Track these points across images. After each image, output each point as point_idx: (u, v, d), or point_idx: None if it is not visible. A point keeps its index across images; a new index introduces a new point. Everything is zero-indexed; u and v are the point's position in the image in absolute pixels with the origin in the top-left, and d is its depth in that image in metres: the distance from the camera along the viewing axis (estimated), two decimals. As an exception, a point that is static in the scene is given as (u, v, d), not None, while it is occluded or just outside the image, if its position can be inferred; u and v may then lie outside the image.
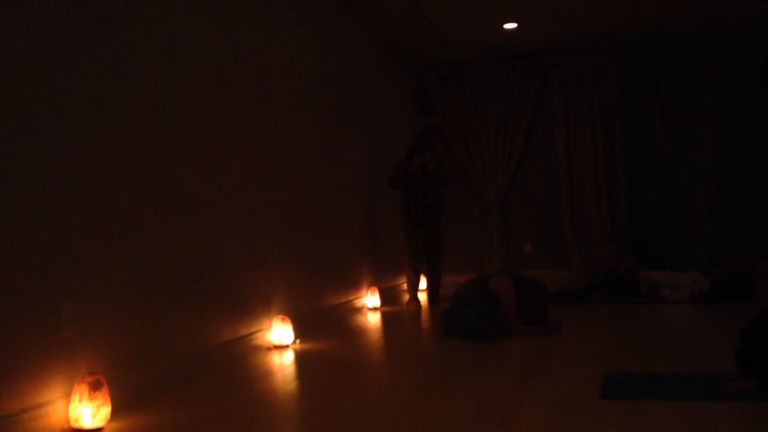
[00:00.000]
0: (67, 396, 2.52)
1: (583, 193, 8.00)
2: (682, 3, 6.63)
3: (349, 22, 6.06)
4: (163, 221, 3.22)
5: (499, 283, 4.36)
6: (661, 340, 4.08)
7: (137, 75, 3.10)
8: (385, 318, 5.55)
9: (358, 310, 5.83)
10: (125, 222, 2.95)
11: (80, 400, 2.46)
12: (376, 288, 6.06)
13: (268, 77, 4.43)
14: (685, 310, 5.20)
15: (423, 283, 6.76)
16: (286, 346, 4.13)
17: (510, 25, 7.10)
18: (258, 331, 4.06)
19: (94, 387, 2.48)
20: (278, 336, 4.12)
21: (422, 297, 6.54)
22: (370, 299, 5.97)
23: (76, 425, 2.47)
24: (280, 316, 4.18)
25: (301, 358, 3.84)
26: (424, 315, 5.64)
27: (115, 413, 2.65)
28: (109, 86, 2.91)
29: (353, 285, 5.81)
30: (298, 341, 4.25)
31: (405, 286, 6.72)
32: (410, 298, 6.17)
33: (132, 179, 3.02)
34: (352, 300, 5.72)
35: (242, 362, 3.72)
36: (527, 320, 4.34)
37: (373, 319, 5.46)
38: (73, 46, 2.72)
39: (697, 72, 7.59)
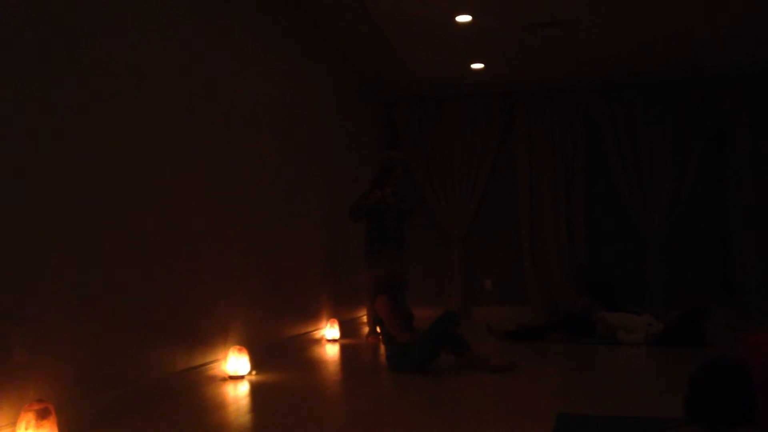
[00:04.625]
0: (14, 424, 2.45)
1: (543, 232, 8.13)
2: (641, 55, 6.87)
3: (319, 53, 6.13)
4: (118, 246, 3.18)
5: (378, 305, 4.52)
6: (614, 382, 4.14)
7: (102, 99, 3.09)
8: (344, 350, 5.52)
9: (317, 341, 5.79)
10: (78, 247, 2.91)
11: (26, 429, 2.40)
12: (335, 320, 6.03)
13: (236, 105, 4.44)
14: (639, 353, 5.29)
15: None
16: (242, 377, 4.08)
17: (477, 65, 7.26)
18: (214, 361, 4.01)
19: (42, 415, 2.43)
20: (234, 366, 4.07)
21: (381, 330, 6.52)
22: (330, 331, 5.94)
23: (21, 454, 2.40)
24: (237, 347, 4.13)
25: (256, 390, 3.80)
26: (383, 349, 5.62)
27: (62, 443, 2.58)
28: (73, 109, 2.89)
29: (313, 316, 5.78)
30: (254, 372, 4.20)
31: (365, 319, 6.71)
32: (370, 331, 6.15)
33: (88, 204, 2.99)
34: (311, 331, 5.69)
35: (196, 393, 3.67)
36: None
37: (331, 352, 5.43)
38: (37, 68, 2.70)
39: (655, 118, 7.83)
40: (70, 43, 2.89)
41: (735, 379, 2.65)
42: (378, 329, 5.28)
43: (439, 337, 4.31)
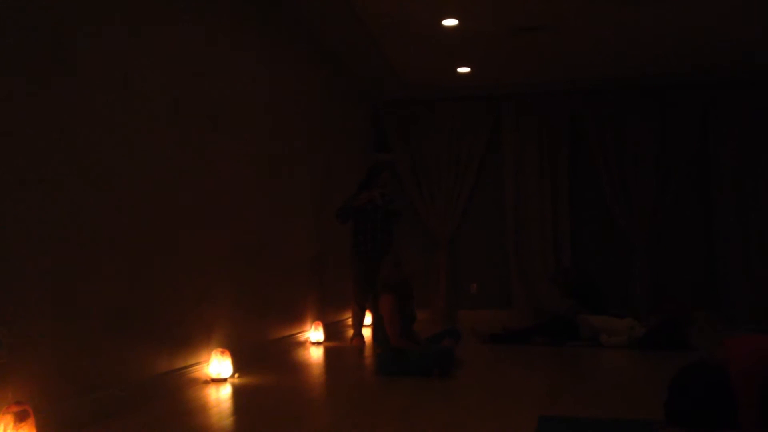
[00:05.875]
0: (-9, 427, 2.43)
1: (528, 235, 8.15)
2: (627, 59, 6.93)
3: (308, 56, 6.12)
4: (100, 247, 3.16)
5: (381, 303, 4.46)
6: (596, 384, 4.17)
7: (87, 102, 3.07)
8: (328, 353, 5.52)
9: (301, 344, 5.78)
10: (60, 248, 2.89)
11: (5, 431, 2.38)
12: (320, 322, 6.02)
13: (222, 107, 4.43)
14: (622, 355, 5.32)
15: (368, 318, 6.74)
16: (225, 380, 4.06)
17: (464, 69, 7.29)
18: (196, 364, 3.99)
19: (20, 417, 2.40)
20: (217, 369, 4.05)
21: (367, 333, 6.52)
22: (314, 334, 5.93)
23: (-2, 457, 2.38)
24: (220, 349, 4.11)
25: (238, 393, 3.79)
26: (368, 351, 5.63)
27: (41, 446, 2.56)
28: (57, 111, 2.88)
29: (297, 318, 5.77)
30: (237, 375, 4.19)
31: (350, 321, 6.70)
32: (354, 334, 6.15)
33: (71, 206, 2.97)
34: (295, 334, 5.68)
35: (177, 396, 3.65)
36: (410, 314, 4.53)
37: (315, 354, 5.43)
38: (24, 70, 2.69)
39: (640, 123, 7.88)
40: (55, 45, 2.87)
41: (714, 382, 2.69)
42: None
43: (443, 357, 4.31)
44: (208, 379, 4.05)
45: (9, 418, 2.39)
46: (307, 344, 5.87)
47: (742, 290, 7.45)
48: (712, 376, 2.71)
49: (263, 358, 4.88)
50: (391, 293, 4.46)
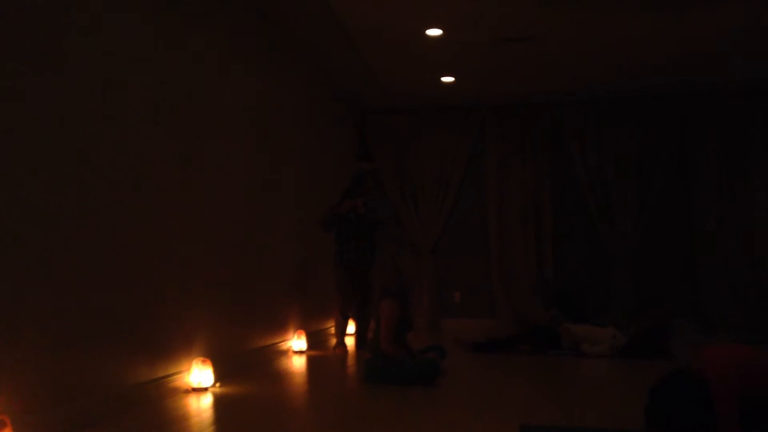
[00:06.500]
0: (-34, 437, 2.40)
1: (511, 245, 8.19)
2: (609, 70, 6.99)
3: (292, 65, 6.12)
4: (77, 253, 3.13)
5: (383, 307, 4.43)
6: (578, 393, 4.18)
7: (72, 109, 3.05)
8: (311, 362, 5.49)
9: (284, 353, 5.75)
10: (37, 256, 2.86)
11: (-21, 442, 2.35)
12: (303, 331, 6.00)
13: (206, 117, 4.41)
14: (603, 364, 5.35)
15: (351, 327, 6.73)
16: (206, 389, 4.03)
17: (447, 79, 7.32)
18: (177, 373, 3.95)
19: (-4, 428, 2.38)
20: (198, 378, 4.01)
21: (350, 342, 6.51)
22: (297, 342, 5.90)
23: (-27, 469, 2.35)
24: (201, 358, 4.08)
25: (220, 403, 3.76)
26: (351, 360, 5.62)
27: (17, 456, 2.53)
28: (43, 117, 2.85)
29: (280, 327, 5.74)
30: (218, 384, 4.15)
31: (333, 330, 6.68)
32: (337, 342, 6.12)
33: (50, 214, 2.95)
34: (277, 343, 5.65)
35: (157, 405, 3.61)
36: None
37: (298, 363, 5.40)
38: (10, 76, 2.67)
39: (622, 133, 7.96)
40: (42, 51, 2.85)
41: (693, 391, 2.71)
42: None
43: (429, 368, 4.31)
44: (189, 388, 4.01)
45: (-15, 429, 2.36)
46: (290, 353, 5.85)
47: (723, 298, 7.52)
48: (691, 384, 2.73)
49: (245, 367, 4.85)
50: (395, 298, 4.45)
